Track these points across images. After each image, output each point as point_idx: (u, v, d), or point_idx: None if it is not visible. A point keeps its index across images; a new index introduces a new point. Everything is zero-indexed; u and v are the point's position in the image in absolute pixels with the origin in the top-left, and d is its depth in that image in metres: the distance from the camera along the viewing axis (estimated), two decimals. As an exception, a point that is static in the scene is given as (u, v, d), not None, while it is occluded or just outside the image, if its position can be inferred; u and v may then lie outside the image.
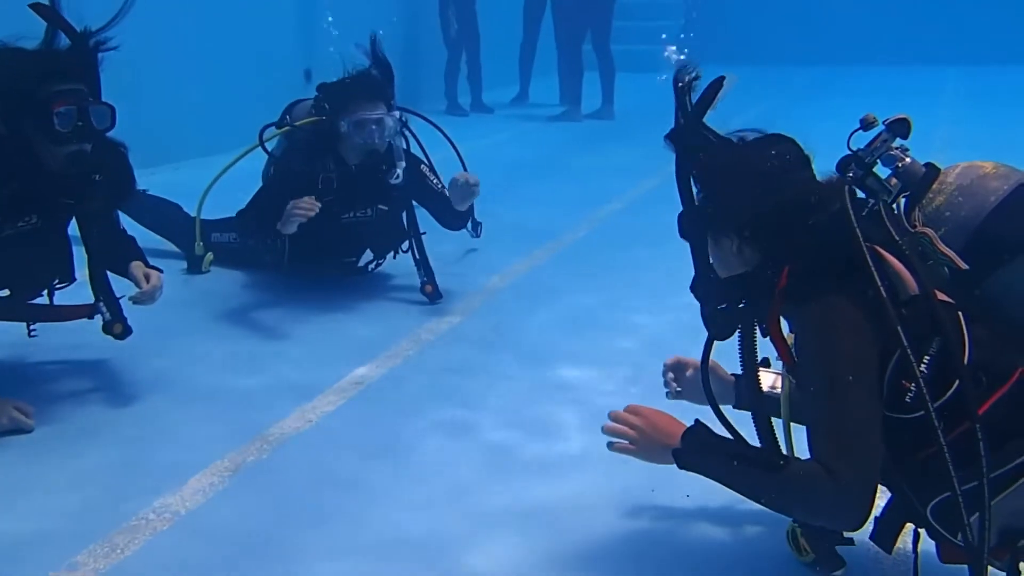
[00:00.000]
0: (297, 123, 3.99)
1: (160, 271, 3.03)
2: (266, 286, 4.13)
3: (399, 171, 3.88)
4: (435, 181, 4.12)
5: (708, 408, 2.13)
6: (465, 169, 4.33)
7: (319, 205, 3.61)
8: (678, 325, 3.48)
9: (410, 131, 4.12)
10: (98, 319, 3.00)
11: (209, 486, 2.53)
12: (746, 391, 2.06)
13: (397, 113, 3.90)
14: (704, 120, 1.96)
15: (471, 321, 3.84)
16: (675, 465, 1.94)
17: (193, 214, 4.34)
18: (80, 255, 3.00)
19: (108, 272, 3.01)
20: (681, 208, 1.99)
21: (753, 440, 2.00)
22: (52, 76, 2.60)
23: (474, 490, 2.53)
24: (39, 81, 2.58)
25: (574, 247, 4.91)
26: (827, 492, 1.70)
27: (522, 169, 6.87)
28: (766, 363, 2.11)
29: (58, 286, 3.03)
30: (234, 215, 4.05)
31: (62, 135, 2.61)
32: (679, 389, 2.33)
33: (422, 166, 4.12)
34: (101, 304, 2.97)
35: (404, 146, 4.02)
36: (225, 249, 4.36)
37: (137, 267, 2.98)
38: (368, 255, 4.22)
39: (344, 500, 2.48)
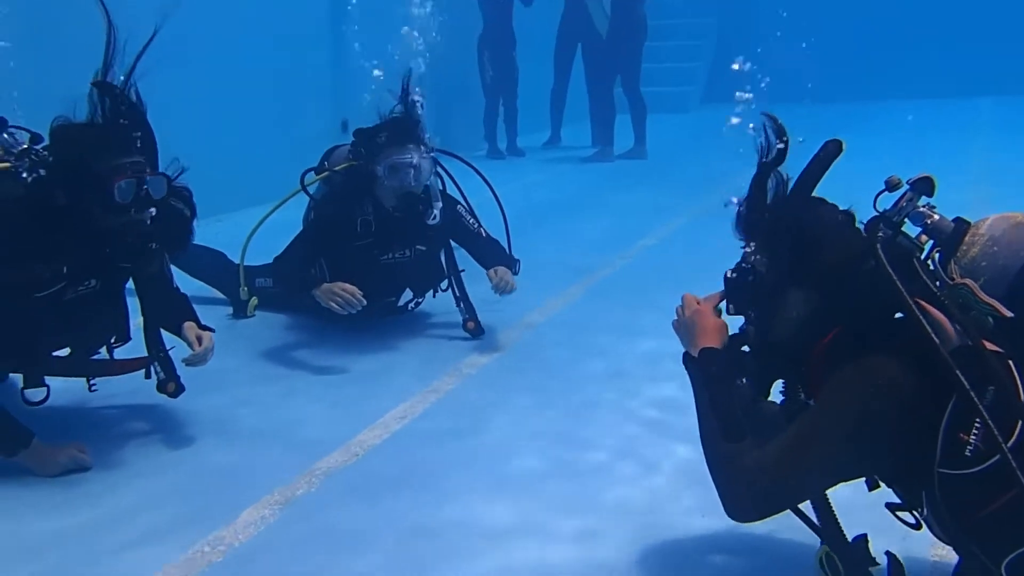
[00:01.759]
0: (335, 168, 4.10)
1: (212, 331, 3.13)
2: (309, 328, 4.22)
3: (436, 212, 3.97)
4: (472, 222, 4.20)
5: None
6: (501, 208, 4.40)
7: (364, 303, 3.71)
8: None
9: (446, 171, 4.22)
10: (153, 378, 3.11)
11: (260, 519, 2.59)
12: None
13: (432, 155, 4.00)
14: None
15: (511, 356, 3.89)
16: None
17: (236, 261, 4.46)
18: (135, 314, 3.12)
19: (162, 331, 3.12)
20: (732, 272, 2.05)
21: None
22: (112, 150, 2.70)
23: (518, 522, 2.57)
24: (100, 155, 2.69)
25: (609, 282, 4.97)
26: (738, 487, 1.84)
27: (556, 208, 6.96)
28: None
29: (114, 345, 3.15)
30: (272, 260, 4.16)
31: (121, 207, 2.71)
32: None
33: (459, 207, 4.19)
34: (156, 365, 3.10)
35: (440, 187, 4.11)
36: (269, 293, 4.46)
37: (190, 329, 3.09)
38: (408, 294, 4.31)
39: (390, 531, 2.52)
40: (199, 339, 3.05)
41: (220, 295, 4.56)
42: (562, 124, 10.23)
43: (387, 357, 3.89)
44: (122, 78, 2.72)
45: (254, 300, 4.45)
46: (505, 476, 2.83)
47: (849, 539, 2.06)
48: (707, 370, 1.99)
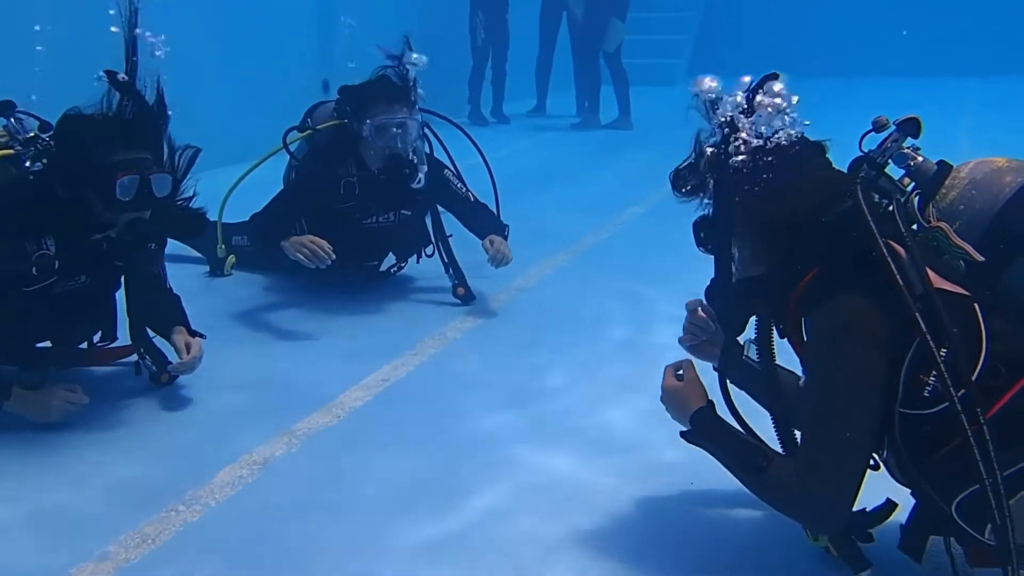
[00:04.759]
0: (319, 127, 3.96)
1: (203, 337, 3.04)
2: (288, 288, 4.11)
3: (421, 176, 3.84)
4: (460, 186, 4.07)
5: None
6: (491, 173, 4.28)
7: (333, 257, 3.58)
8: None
9: (434, 133, 4.09)
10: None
11: (238, 479, 2.50)
12: (764, 391, 2.07)
13: (420, 117, 3.86)
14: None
15: (496, 320, 3.81)
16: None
17: (214, 218, 4.32)
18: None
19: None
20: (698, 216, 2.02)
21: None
22: (117, 144, 2.58)
23: (500, 483, 2.49)
24: (104, 149, 2.57)
25: (597, 249, 4.90)
26: (796, 502, 1.81)
27: (544, 175, 6.86)
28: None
29: (100, 345, 3.04)
30: (248, 218, 4.04)
31: (122, 204, 2.58)
32: (695, 341, 2.28)
33: (446, 171, 4.06)
34: (147, 359, 3.02)
35: (427, 150, 3.99)
36: (247, 252, 4.34)
37: (179, 335, 2.98)
38: (390, 259, 4.20)
39: (371, 495, 2.44)
40: (188, 347, 2.95)
41: (196, 253, 4.44)
42: (548, 93, 10.11)
43: (370, 319, 3.79)
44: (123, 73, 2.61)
45: (231, 258, 4.33)
46: (487, 440, 2.75)
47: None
48: (705, 430, 1.97)
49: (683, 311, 2.31)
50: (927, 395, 1.71)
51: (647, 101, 9.91)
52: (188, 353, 2.93)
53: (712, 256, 2.00)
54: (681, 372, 2.04)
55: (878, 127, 1.95)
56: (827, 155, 1.97)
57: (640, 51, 11.95)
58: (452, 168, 4.13)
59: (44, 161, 2.60)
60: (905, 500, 1.95)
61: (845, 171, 1.96)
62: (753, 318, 2.04)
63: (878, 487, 1.95)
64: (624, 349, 3.45)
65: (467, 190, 4.09)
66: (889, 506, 2.01)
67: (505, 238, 3.96)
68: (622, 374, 3.21)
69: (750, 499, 2.30)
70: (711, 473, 2.35)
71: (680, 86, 12.95)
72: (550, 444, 2.72)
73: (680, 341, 2.31)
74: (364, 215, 3.92)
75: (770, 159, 1.91)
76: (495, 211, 4.16)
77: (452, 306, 3.93)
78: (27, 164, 2.59)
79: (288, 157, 4.09)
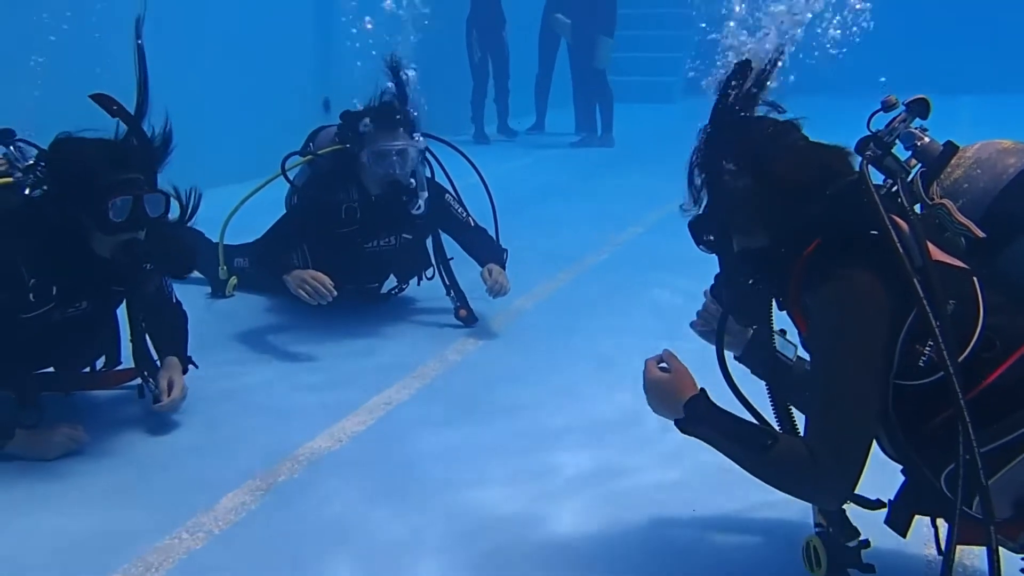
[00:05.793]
0: (320, 152, 3.98)
1: (195, 366, 3.08)
2: (289, 310, 4.12)
3: (421, 201, 3.86)
4: (460, 211, 4.09)
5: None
6: (489, 194, 4.30)
7: (334, 294, 3.59)
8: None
9: (435, 158, 4.11)
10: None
11: (241, 505, 2.51)
12: (761, 364, 2.10)
13: (422, 142, 3.87)
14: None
15: (497, 342, 3.82)
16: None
17: (215, 240, 4.34)
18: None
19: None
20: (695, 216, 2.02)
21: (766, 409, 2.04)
22: (110, 166, 2.59)
23: (501, 507, 2.50)
24: (96, 171, 2.58)
25: (597, 269, 4.91)
26: (806, 476, 1.74)
27: (545, 193, 6.89)
28: (782, 333, 2.14)
29: (102, 369, 3.04)
30: (252, 242, 4.05)
31: (116, 225, 2.59)
32: (707, 327, 2.25)
33: (447, 196, 4.08)
34: (151, 382, 3.01)
35: (428, 174, 4.01)
36: (248, 274, 4.36)
37: (164, 375, 2.98)
38: (391, 281, 4.21)
39: (375, 519, 2.45)
40: (171, 386, 2.95)
41: (198, 274, 4.44)
42: (547, 111, 10.16)
43: (371, 342, 3.80)
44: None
45: (233, 280, 4.35)
46: (489, 465, 2.75)
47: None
48: (703, 416, 1.90)
49: (682, 331, 2.33)
50: (922, 365, 1.73)
51: (647, 118, 9.96)
52: (168, 395, 2.93)
53: (713, 253, 2.02)
54: (664, 364, 2.01)
55: (887, 106, 1.98)
56: (802, 131, 1.97)
57: (637, 69, 12.02)
58: (453, 192, 4.15)
59: (44, 188, 2.62)
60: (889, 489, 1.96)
61: (827, 144, 1.95)
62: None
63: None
64: (625, 373, 3.42)
65: (468, 215, 4.11)
66: (877, 503, 1.99)
67: (503, 263, 3.99)
68: (624, 398, 3.21)
69: (750, 524, 2.34)
70: (713, 499, 2.39)
71: (678, 103, 13.03)
72: (553, 468, 2.73)
73: (691, 325, 2.29)
74: (365, 239, 3.94)
75: (750, 134, 1.92)
76: (494, 232, 4.20)
77: (452, 328, 3.94)
78: (26, 192, 2.61)
79: (288, 183, 4.10)
